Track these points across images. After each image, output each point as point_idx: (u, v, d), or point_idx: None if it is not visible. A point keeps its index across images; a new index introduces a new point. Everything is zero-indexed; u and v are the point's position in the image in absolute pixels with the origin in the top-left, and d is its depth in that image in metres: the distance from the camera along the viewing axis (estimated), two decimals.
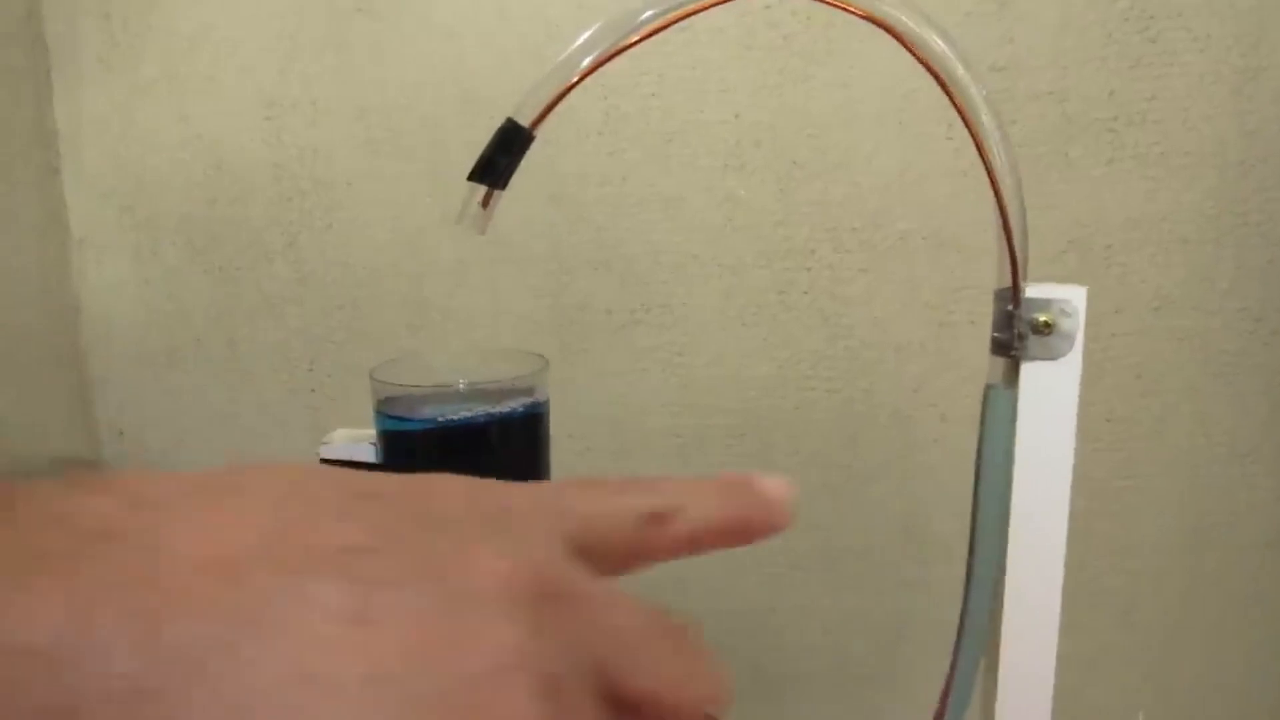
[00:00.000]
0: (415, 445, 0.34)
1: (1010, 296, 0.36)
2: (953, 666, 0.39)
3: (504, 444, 0.35)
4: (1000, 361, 0.37)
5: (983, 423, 0.37)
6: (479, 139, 0.60)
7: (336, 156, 0.61)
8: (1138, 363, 0.60)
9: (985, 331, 0.60)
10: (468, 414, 0.34)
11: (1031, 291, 0.36)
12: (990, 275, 0.59)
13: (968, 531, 0.65)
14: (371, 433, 0.39)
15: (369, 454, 0.36)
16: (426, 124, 0.60)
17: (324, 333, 0.64)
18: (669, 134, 0.59)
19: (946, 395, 0.61)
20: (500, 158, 0.36)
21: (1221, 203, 0.59)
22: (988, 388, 0.37)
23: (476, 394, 0.34)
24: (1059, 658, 0.66)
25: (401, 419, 0.34)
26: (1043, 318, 0.36)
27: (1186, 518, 0.63)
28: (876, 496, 0.64)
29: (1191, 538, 0.64)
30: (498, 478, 0.31)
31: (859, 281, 0.60)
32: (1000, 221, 0.36)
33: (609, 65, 0.59)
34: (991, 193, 0.36)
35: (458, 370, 0.39)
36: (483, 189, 0.36)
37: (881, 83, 0.58)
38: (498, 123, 0.60)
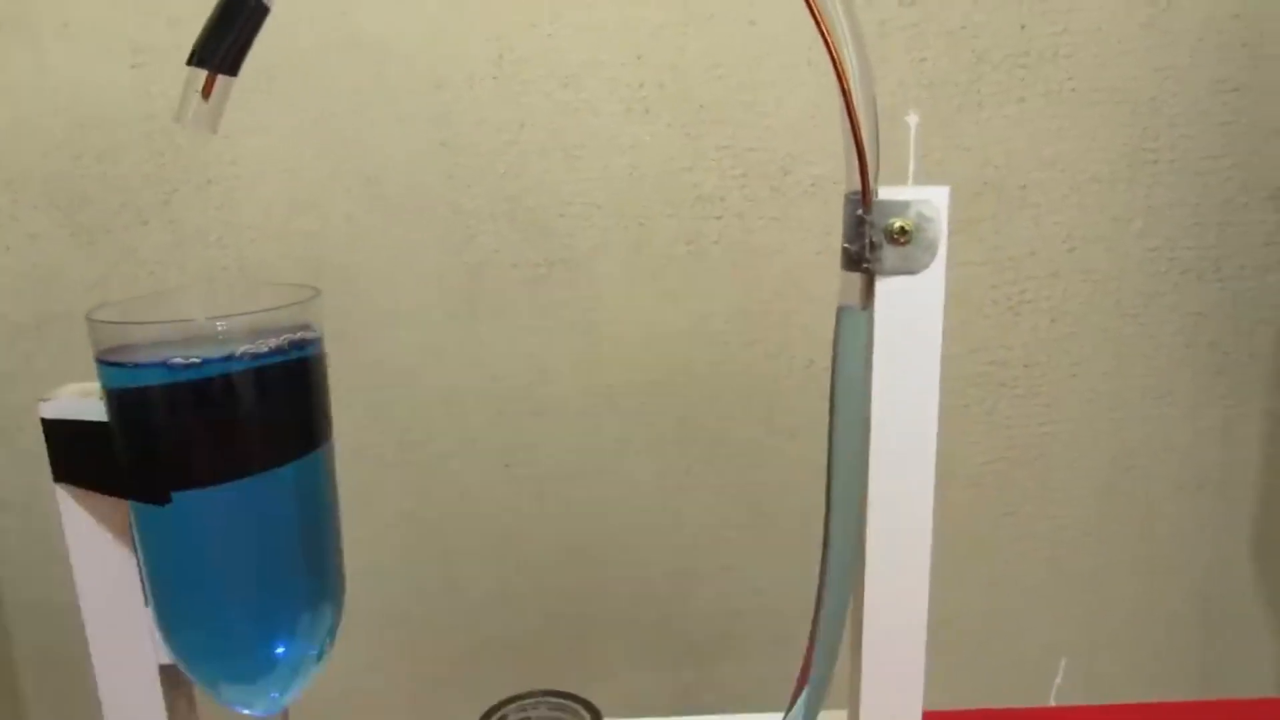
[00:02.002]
0: (147, 401, 0.29)
1: (860, 200, 0.32)
2: (813, 635, 0.38)
3: (261, 396, 0.29)
4: (854, 279, 0.33)
5: (835, 351, 0.34)
6: (367, 83, 0.60)
7: None
8: (1053, 306, 0.63)
9: None
10: (212, 359, 0.28)
11: (885, 193, 0.33)
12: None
13: None
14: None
15: (99, 412, 0.30)
16: (311, 69, 0.59)
17: None
18: (567, 77, 0.59)
19: None
20: (224, 33, 0.31)
21: (1134, 141, 0.61)
22: (839, 310, 0.34)
23: (223, 335, 0.28)
24: (983, 605, 0.69)
25: (125, 367, 0.29)
26: (898, 223, 0.32)
27: (1105, 461, 0.66)
28: (798, 452, 0.65)
29: (1111, 481, 0.67)
30: (255, 439, 0.29)
31: (771, 230, 0.62)
32: (845, 110, 0.32)
33: (500, 5, 0.59)
34: (838, 86, 0.33)
35: (207, 307, 0.33)
36: (203, 75, 0.31)
37: (789, 19, 0.59)
38: (390, 67, 0.60)
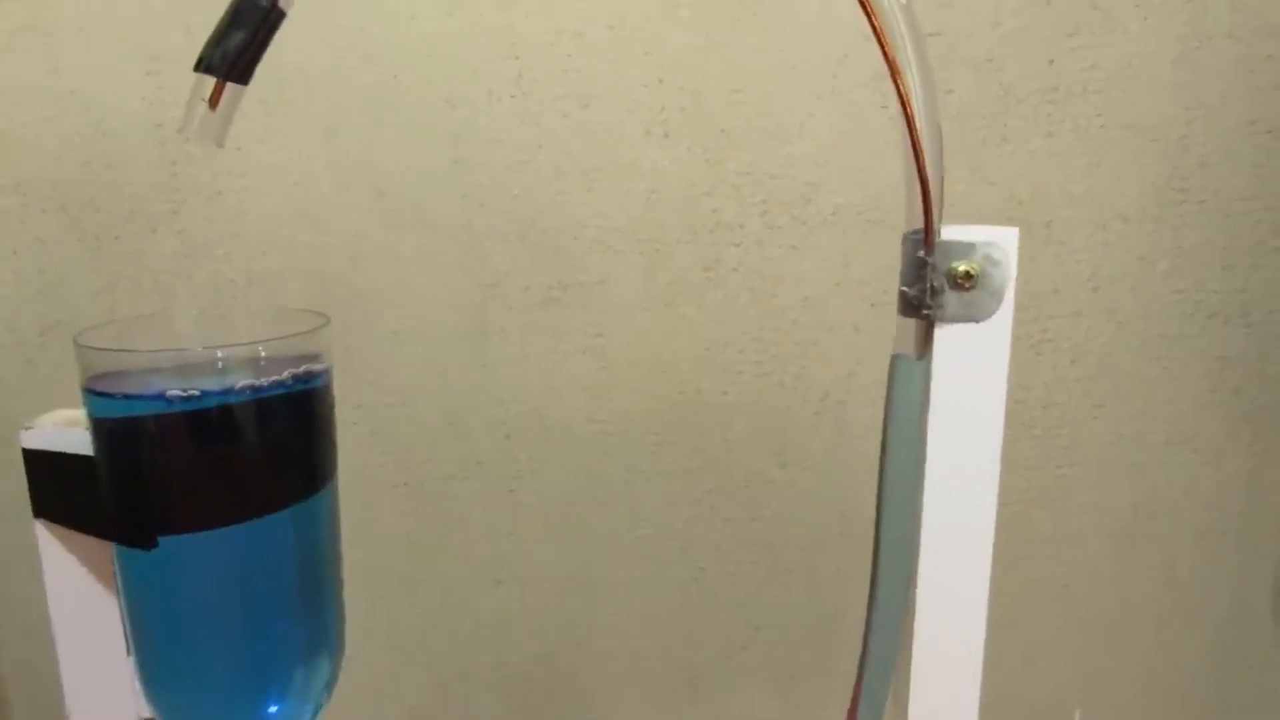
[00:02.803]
0: (137, 434, 0.27)
1: (921, 240, 0.30)
2: (856, 692, 0.36)
3: (263, 433, 0.27)
4: (910, 325, 0.31)
5: (888, 402, 0.32)
6: (382, 97, 0.60)
7: None
8: (1075, 346, 0.63)
9: None
10: (211, 391, 0.26)
11: (949, 233, 0.30)
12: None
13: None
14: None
15: (84, 444, 0.28)
16: (323, 81, 0.60)
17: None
18: (587, 99, 0.60)
19: (881, 380, 0.63)
20: (235, 38, 0.29)
21: (1162, 179, 0.61)
22: (894, 359, 0.32)
23: (224, 365, 0.27)
24: (996, 653, 0.68)
25: (114, 398, 0.27)
26: (963, 267, 0.30)
27: (1125, 507, 0.66)
28: (809, 486, 0.65)
29: (1130, 527, 0.66)
30: (254, 480, 0.27)
31: (790, 259, 0.62)
32: (908, 141, 0.30)
33: (520, 23, 0.59)
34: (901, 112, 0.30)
35: (209, 330, 0.31)
36: (211, 83, 0.29)
37: (814, 46, 0.59)
38: (403, 81, 0.60)
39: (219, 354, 0.27)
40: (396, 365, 0.64)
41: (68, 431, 0.30)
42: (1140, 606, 0.68)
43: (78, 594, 0.32)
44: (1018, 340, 0.62)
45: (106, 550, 0.30)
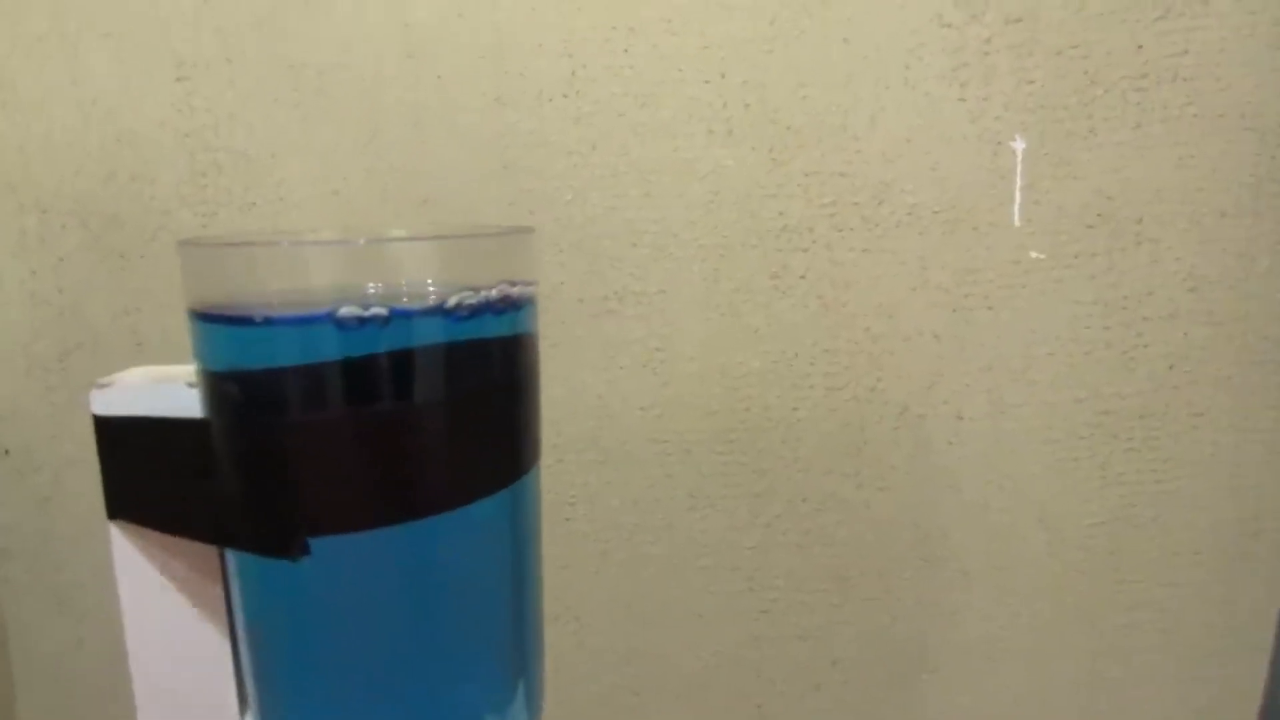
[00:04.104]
0: (280, 382, 0.18)
1: None
2: None
3: (466, 378, 0.19)
4: None
5: None
6: (423, 101, 0.59)
7: (258, 124, 0.59)
8: (1171, 351, 0.60)
9: (1005, 318, 0.60)
10: (410, 311, 0.18)
11: None
12: (1009, 251, 0.59)
13: (989, 545, 0.64)
14: (189, 369, 0.22)
15: (186, 405, 0.20)
16: (363, 85, 0.58)
17: None
18: (644, 96, 0.58)
19: (962, 392, 0.61)
20: None
21: (1261, 171, 0.59)
22: None
23: (407, 286, 0.18)
24: (1091, 687, 0.65)
25: (252, 324, 0.18)
26: None
27: (1230, 524, 0.63)
28: (886, 508, 0.62)
29: (1236, 546, 0.63)
30: (460, 457, 0.19)
31: (862, 263, 0.59)
32: None
33: (572, 18, 0.58)
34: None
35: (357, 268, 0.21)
36: None
37: (884, 36, 0.57)
38: (450, 82, 0.58)
39: (394, 253, 0.19)
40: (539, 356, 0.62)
41: (163, 388, 0.20)
42: (1247, 634, 0.64)
43: (172, 627, 0.22)
44: (1109, 346, 0.60)
45: (214, 561, 0.21)
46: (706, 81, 0.58)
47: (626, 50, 0.57)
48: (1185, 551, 0.63)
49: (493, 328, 0.20)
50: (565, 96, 0.58)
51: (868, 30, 0.57)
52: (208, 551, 0.21)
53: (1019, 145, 0.58)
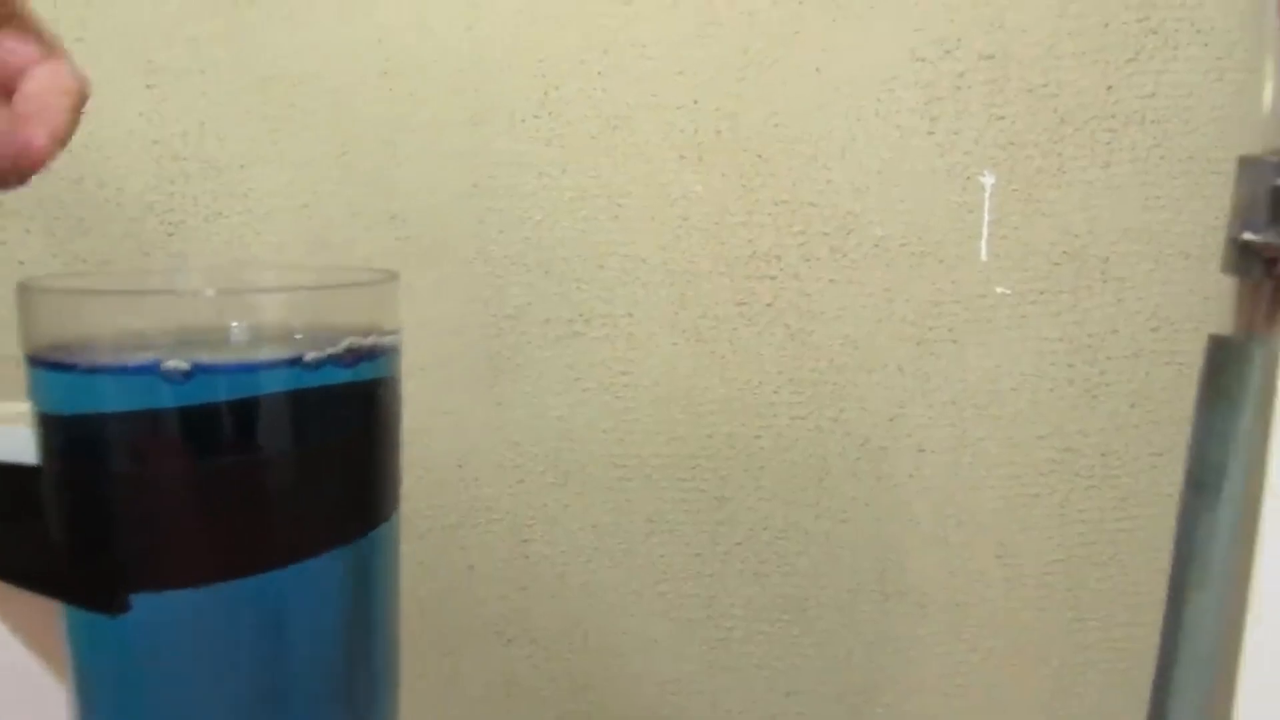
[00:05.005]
0: (109, 434, 0.18)
1: None
2: None
3: (304, 431, 0.19)
4: (1243, 290, 0.24)
5: (1201, 406, 0.24)
6: (395, 118, 0.59)
7: (229, 133, 0.59)
8: (1134, 390, 0.61)
9: (969, 352, 0.61)
10: (231, 367, 0.18)
11: None
12: (975, 286, 0.60)
13: (947, 579, 0.65)
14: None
15: (25, 449, 0.20)
16: (335, 99, 0.59)
17: None
18: (616, 120, 0.59)
19: (925, 425, 0.61)
20: None
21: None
22: (1214, 342, 0.25)
23: (249, 324, 0.18)
24: (1048, 717, 0.66)
25: (78, 372, 0.18)
26: None
27: None
28: (846, 539, 0.63)
29: None
30: (286, 503, 0.19)
31: (829, 293, 0.60)
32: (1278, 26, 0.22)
33: (547, 40, 0.58)
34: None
35: (219, 280, 0.21)
36: None
37: (857, 68, 0.58)
38: (417, 100, 0.59)
39: (243, 302, 0.18)
40: (402, 403, 0.62)
41: (5, 432, 0.20)
42: None
43: (9, 679, 0.22)
44: (1072, 383, 0.61)
45: (53, 613, 0.20)
46: (679, 107, 0.59)
47: (600, 73, 0.58)
48: (1143, 591, 0.64)
49: (339, 378, 0.20)
50: (537, 117, 0.59)
51: (841, 62, 0.58)
52: (50, 601, 0.20)
53: (988, 181, 0.59)
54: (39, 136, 0.28)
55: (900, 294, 0.60)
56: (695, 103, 0.58)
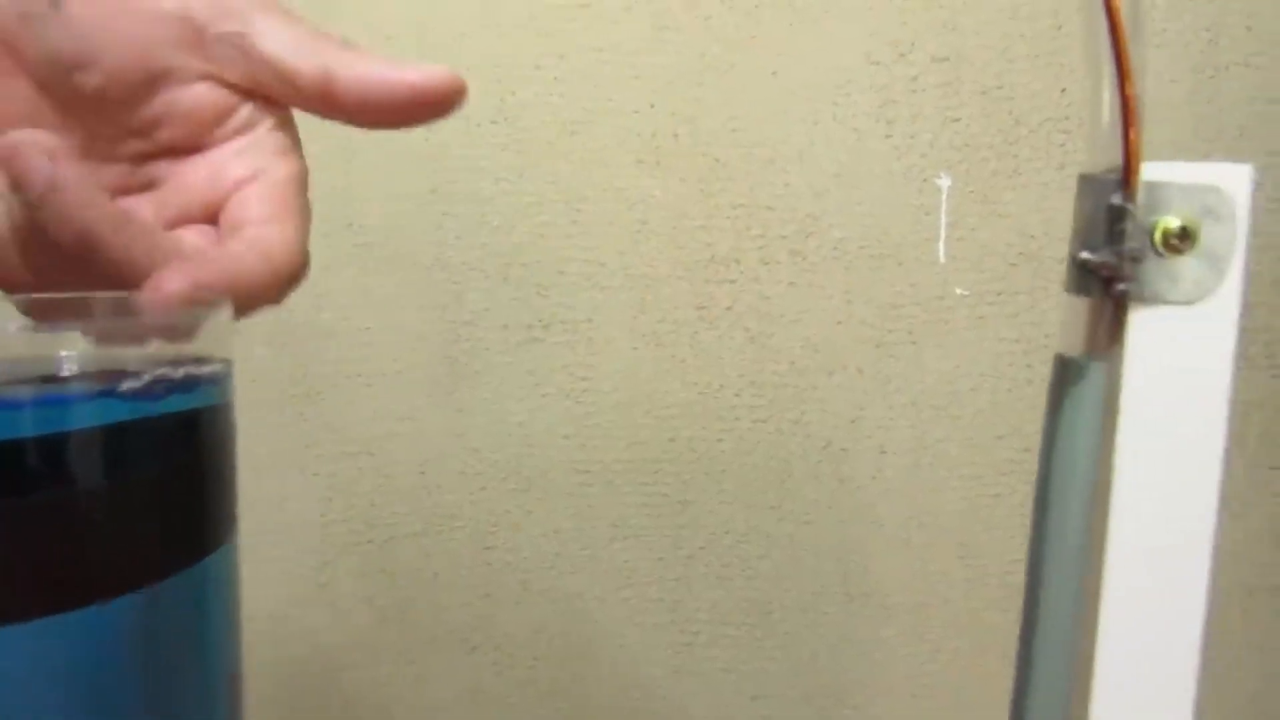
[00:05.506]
0: None
1: (1119, 180, 0.23)
2: None
3: (110, 468, 0.18)
4: (1084, 309, 0.24)
5: (1050, 422, 0.25)
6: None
7: None
8: None
9: (928, 353, 0.61)
10: (26, 403, 0.17)
11: (1152, 173, 0.23)
12: (934, 287, 0.60)
13: (910, 580, 0.65)
14: None
15: None
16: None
17: None
18: (574, 125, 0.59)
19: (885, 426, 0.62)
20: None
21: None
22: (1060, 361, 0.25)
23: (56, 360, 0.18)
24: None
25: None
26: (1177, 222, 0.23)
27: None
28: (809, 541, 0.64)
29: None
30: (98, 548, 0.18)
31: (788, 296, 0.61)
32: (1111, 42, 0.24)
33: (503, 45, 0.59)
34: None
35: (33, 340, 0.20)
36: None
37: (813, 72, 0.59)
38: None
39: (52, 335, 0.18)
40: (362, 411, 0.62)
41: None
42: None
43: None
44: (1030, 383, 0.62)
45: None
46: (636, 112, 0.59)
47: (557, 79, 0.58)
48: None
49: (151, 410, 0.19)
50: (494, 123, 0.59)
51: (797, 66, 0.59)
52: None
53: (944, 183, 0.60)
54: (176, 281, 0.23)
55: (859, 296, 0.61)
56: (652, 107, 0.59)
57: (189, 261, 0.25)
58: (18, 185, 0.24)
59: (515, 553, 0.64)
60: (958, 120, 0.59)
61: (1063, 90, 0.59)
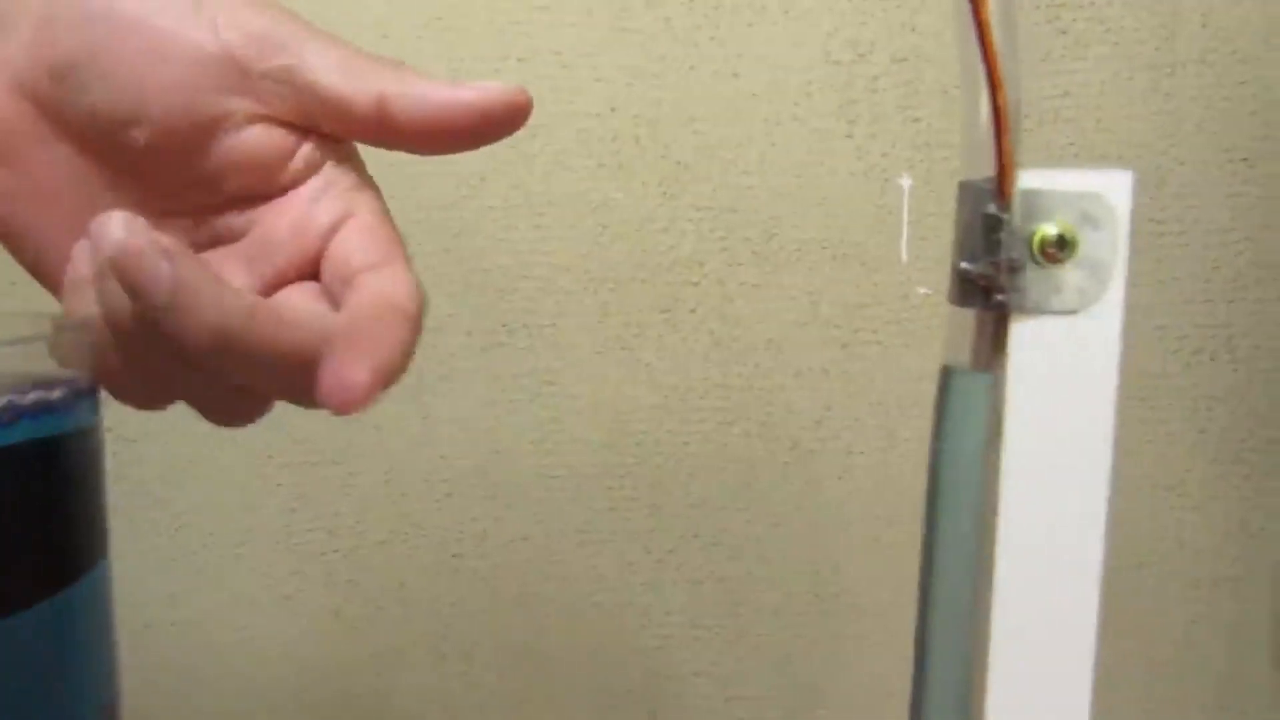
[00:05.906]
0: None
1: (993, 189, 0.22)
2: None
3: None
4: (967, 320, 0.24)
5: (936, 433, 0.25)
6: None
7: None
8: None
9: (893, 353, 0.62)
10: None
11: (1029, 180, 0.23)
12: (897, 287, 0.61)
13: (880, 581, 0.66)
14: None
15: None
16: None
17: None
18: (534, 128, 0.59)
19: (852, 426, 0.62)
20: None
21: (1138, 209, 0.61)
22: (945, 372, 0.25)
23: None
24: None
25: None
26: (1055, 230, 0.22)
27: (1111, 560, 0.65)
28: (778, 543, 0.64)
29: (1117, 579, 0.66)
30: None
31: (753, 298, 0.61)
32: (980, 51, 0.22)
33: (460, 47, 0.58)
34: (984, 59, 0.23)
35: None
36: None
37: (774, 73, 0.59)
38: None
39: None
40: (325, 419, 0.62)
41: None
42: (1130, 662, 0.67)
43: None
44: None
45: None
46: (597, 114, 0.59)
47: (517, 81, 0.58)
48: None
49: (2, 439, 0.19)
50: None
51: (758, 67, 0.59)
52: None
53: (905, 183, 0.60)
54: (360, 372, 0.22)
55: (823, 296, 0.61)
56: (613, 110, 0.59)
57: (352, 345, 0.23)
58: (135, 295, 0.21)
59: (483, 560, 0.63)
60: (918, 120, 0.60)
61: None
